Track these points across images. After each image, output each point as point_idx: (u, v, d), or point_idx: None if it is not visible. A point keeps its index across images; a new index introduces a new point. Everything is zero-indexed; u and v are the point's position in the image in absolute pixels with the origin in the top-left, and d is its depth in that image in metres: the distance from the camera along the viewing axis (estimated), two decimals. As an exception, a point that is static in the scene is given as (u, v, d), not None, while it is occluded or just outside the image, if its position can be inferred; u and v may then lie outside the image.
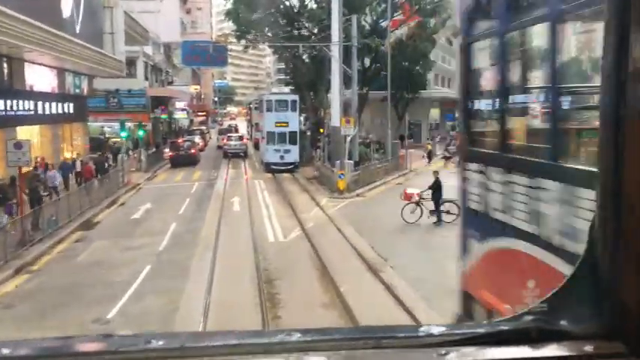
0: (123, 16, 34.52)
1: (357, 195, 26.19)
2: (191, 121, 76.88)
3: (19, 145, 17.13)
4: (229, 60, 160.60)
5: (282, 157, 34.41)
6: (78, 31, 29.69)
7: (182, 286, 13.40)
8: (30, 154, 17.75)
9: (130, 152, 37.62)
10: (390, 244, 17.39)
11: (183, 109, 66.94)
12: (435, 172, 20.05)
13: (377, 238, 17.89)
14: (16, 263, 15.75)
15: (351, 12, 32.10)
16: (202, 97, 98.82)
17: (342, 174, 25.74)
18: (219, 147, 50.83)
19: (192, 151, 43.49)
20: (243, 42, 47.17)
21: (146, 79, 53.42)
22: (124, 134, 33.44)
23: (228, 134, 52.32)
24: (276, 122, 35.10)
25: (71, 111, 31.23)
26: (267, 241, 17.90)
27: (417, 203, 19.73)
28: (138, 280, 14.01)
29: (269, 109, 36.01)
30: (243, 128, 78.23)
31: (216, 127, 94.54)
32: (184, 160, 40.37)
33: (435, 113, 62.75)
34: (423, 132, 58.42)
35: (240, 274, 14.44)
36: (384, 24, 41.80)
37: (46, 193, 19.58)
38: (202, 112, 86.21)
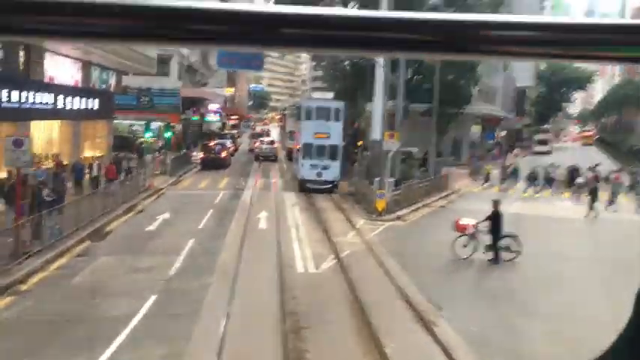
0: (157, 10, 32.37)
1: (398, 217, 23.27)
2: (223, 124, 74.85)
3: (18, 143, 14.71)
4: (266, 65, 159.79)
5: (319, 175, 29.05)
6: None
7: (189, 331, 10.70)
8: (30, 152, 15.29)
9: (157, 154, 35.33)
10: (441, 285, 14.48)
11: (215, 112, 64.82)
12: (496, 202, 17.03)
13: (425, 276, 14.98)
14: (3, 281, 13.31)
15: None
16: (236, 100, 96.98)
17: (381, 193, 22.88)
18: (251, 150, 51.35)
19: (223, 154, 41.64)
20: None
21: (179, 79, 51.37)
22: (148, 135, 31.05)
23: (260, 138, 52.99)
24: (316, 133, 29.61)
25: (96, 107, 29.09)
26: (296, 272, 15.12)
27: (472, 235, 16.78)
28: (138, 317, 11.36)
29: (308, 117, 30.56)
30: (275, 134, 76.59)
31: (248, 131, 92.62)
32: (215, 163, 39.29)
33: (475, 130, 59.37)
34: (463, 149, 55.16)
35: (262, 317, 11.67)
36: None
37: (50, 198, 17.09)
38: (235, 115, 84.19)
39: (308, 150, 29.72)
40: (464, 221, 16.88)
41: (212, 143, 44.51)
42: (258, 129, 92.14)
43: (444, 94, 42.32)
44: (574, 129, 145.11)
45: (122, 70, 32.37)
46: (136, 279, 13.97)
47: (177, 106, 49.10)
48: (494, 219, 16.54)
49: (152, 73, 34.40)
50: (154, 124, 49.20)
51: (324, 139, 29.53)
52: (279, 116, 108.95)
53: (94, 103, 28.84)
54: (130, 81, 48.43)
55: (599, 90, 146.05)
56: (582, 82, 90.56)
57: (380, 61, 26.33)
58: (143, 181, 28.47)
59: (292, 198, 27.41)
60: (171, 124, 48.60)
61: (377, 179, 24.39)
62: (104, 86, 29.56)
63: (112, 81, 30.87)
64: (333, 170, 29.39)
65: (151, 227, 19.92)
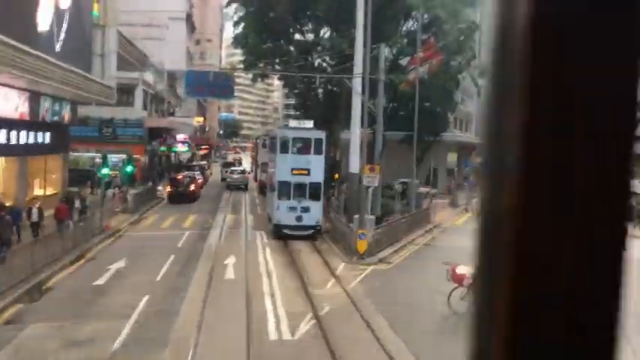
0: (116, 37, 29.79)
1: (381, 260, 20.84)
2: (193, 155, 72.06)
3: None
4: (237, 93, 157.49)
5: (299, 219, 24.09)
6: (58, 50, 24.92)
7: None
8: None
9: (117, 189, 32.46)
10: (440, 352, 12.04)
11: (183, 142, 62.05)
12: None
13: (420, 338, 12.56)
14: None
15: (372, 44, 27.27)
16: (207, 129, 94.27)
17: (363, 234, 20.47)
18: (223, 179, 51.44)
19: (192, 188, 39.12)
20: (250, 72, 42.72)
21: (145, 108, 48.67)
22: (105, 171, 28.25)
23: (232, 168, 52.97)
24: (294, 169, 24.50)
25: (47, 141, 26.26)
26: (268, 340, 12.51)
27: (471, 286, 14.43)
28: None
29: (284, 149, 25.25)
30: (247, 163, 74.00)
31: (219, 160, 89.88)
32: (183, 198, 37.14)
33: (452, 158, 57.70)
34: (440, 178, 53.37)
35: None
36: (403, 61, 37.05)
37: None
38: (205, 145, 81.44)
39: (285, 189, 24.57)
40: (461, 270, 14.54)
41: (180, 176, 41.85)
42: (230, 158, 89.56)
43: (421, 122, 40.70)
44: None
45: (78, 101, 29.60)
46: (70, 359, 11.21)
47: (142, 137, 46.32)
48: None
49: (111, 104, 31.63)
50: (117, 157, 46.28)
51: (304, 177, 24.62)
52: (250, 145, 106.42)
53: (45, 137, 26.03)
54: (91, 111, 45.63)
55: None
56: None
57: (357, 87, 24.18)
58: (99, 222, 25.61)
59: (264, 237, 24.79)
60: (134, 156, 45.69)
61: (356, 217, 22.01)
62: (56, 118, 26.74)
63: (66, 112, 28.07)
64: (315, 212, 24.47)
65: (100, 281, 17.09)
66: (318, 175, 24.83)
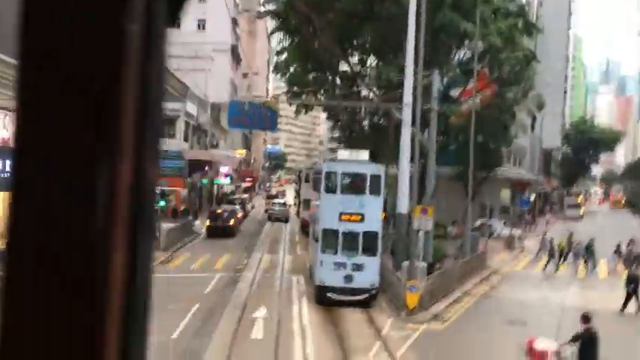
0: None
1: (435, 317, 17.73)
2: (237, 187, 70.41)
3: None
4: (282, 126, 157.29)
5: (349, 279, 18.35)
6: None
7: None
8: None
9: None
10: None
11: (226, 175, 60.30)
12: (586, 317, 11.57)
13: None
14: None
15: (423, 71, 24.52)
16: (252, 162, 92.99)
17: (413, 286, 17.46)
18: (265, 211, 52.43)
19: (231, 222, 37.03)
20: (293, 103, 40.78)
21: (186, 140, 47.14)
22: (162, 203, 26.27)
23: (274, 201, 54.36)
24: (343, 213, 18.92)
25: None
26: None
27: (554, 365, 11.28)
28: None
29: (330, 188, 19.70)
30: (290, 196, 72.30)
31: (263, 193, 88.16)
32: (221, 232, 35.43)
33: (505, 195, 53.80)
34: (494, 216, 49.68)
35: None
36: (454, 92, 34.09)
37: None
38: (250, 177, 79.81)
39: (330, 240, 18.91)
40: (541, 345, 11.37)
41: (219, 210, 39.81)
42: (274, 191, 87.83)
43: (474, 156, 37.84)
44: (598, 191, 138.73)
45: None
46: None
47: (182, 169, 44.61)
48: (588, 344, 11.06)
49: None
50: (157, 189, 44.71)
51: (357, 224, 18.85)
52: (294, 178, 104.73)
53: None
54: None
55: (619, 151, 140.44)
56: (609, 142, 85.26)
57: (406, 117, 21.43)
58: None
59: (301, 284, 22.00)
60: (174, 188, 43.96)
61: (405, 264, 19.03)
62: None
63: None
64: (369, 271, 18.51)
65: (108, 337, 14.62)
66: (374, 222, 19.03)
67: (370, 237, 18.82)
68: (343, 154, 21.80)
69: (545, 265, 28.51)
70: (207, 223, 37.52)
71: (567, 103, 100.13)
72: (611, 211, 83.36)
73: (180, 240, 32.30)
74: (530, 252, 33.81)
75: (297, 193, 54.88)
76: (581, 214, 67.24)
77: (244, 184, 74.40)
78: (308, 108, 42.23)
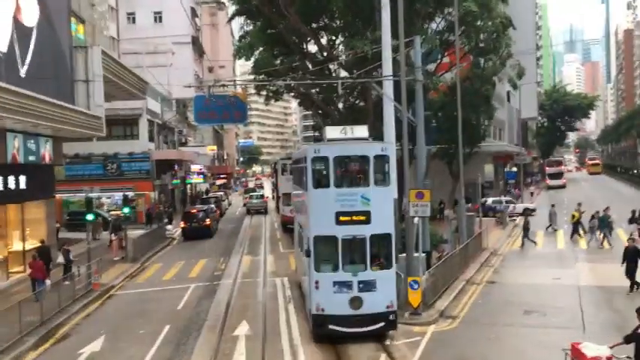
0: (100, 58, 25.11)
1: (442, 314, 15.41)
2: (211, 185, 67.53)
3: None
4: (254, 119, 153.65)
5: (357, 303, 13.26)
6: (23, 75, 20.28)
7: None
8: None
9: (113, 235, 27.55)
10: None
11: (199, 173, 57.39)
12: (643, 311, 9.33)
13: None
14: None
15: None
16: (225, 157, 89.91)
17: (415, 281, 15.11)
18: (244, 205, 52.92)
19: (207, 222, 34.77)
20: (263, 89, 38.08)
21: (152, 140, 44.12)
22: (89, 217, 23.31)
23: (251, 194, 54.70)
24: (341, 213, 13.44)
25: (22, 186, 21.55)
26: None
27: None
28: None
29: (320, 181, 14.00)
30: (268, 188, 70.14)
31: (239, 188, 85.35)
32: (198, 233, 33.41)
33: (488, 170, 51.92)
34: (478, 193, 47.73)
35: None
36: (430, 67, 31.53)
37: None
38: (224, 174, 76.86)
39: (327, 250, 13.49)
40: (591, 352, 9.07)
41: (193, 210, 37.12)
42: (251, 185, 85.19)
43: (453, 133, 35.91)
44: (572, 158, 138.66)
45: (62, 137, 24.95)
46: None
47: (150, 171, 41.70)
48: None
49: (101, 135, 26.88)
50: (119, 195, 41.68)
51: (361, 226, 13.38)
52: (269, 171, 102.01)
53: (19, 182, 21.31)
54: (94, 147, 41.20)
55: (592, 118, 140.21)
56: (585, 108, 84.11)
57: (388, 91, 18.91)
58: (88, 279, 20.64)
59: (285, 288, 19.52)
60: (142, 192, 41.03)
61: (402, 256, 16.66)
62: (32, 158, 22.03)
63: (46, 151, 23.36)
64: (384, 290, 13.41)
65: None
66: (385, 222, 13.54)
67: (381, 242, 13.51)
68: (332, 132, 14.62)
69: (572, 236, 27.67)
70: (182, 224, 35.02)
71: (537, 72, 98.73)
72: (591, 177, 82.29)
73: (151, 248, 29.53)
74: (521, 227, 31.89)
75: (275, 186, 52.25)
76: (564, 182, 65.85)
77: (219, 181, 71.49)
78: (278, 95, 39.57)
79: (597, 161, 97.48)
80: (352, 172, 13.94)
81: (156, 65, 53.23)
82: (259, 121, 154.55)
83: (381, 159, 13.66)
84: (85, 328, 15.96)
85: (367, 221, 13.23)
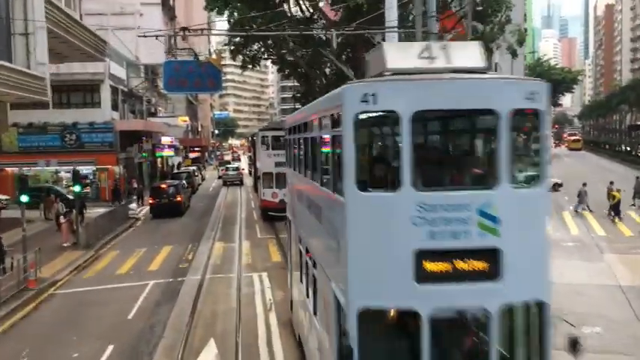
0: (43, 5, 20.63)
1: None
2: (184, 158, 63.08)
3: None
4: (230, 91, 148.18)
5: None
6: None
7: None
8: None
9: (62, 218, 23.36)
10: None
11: (170, 146, 52.91)
12: None
13: None
14: None
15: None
16: (200, 130, 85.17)
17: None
18: (219, 177, 52.68)
19: (177, 198, 31.04)
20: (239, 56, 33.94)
21: (115, 109, 39.55)
22: (24, 198, 19.04)
23: (227, 166, 54.35)
24: (428, 255, 5.37)
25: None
26: None
27: None
28: None
29: (377, 177, 5.94)
30: (245, 161, 66.64)
31: (214, 162, 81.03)
32: (167, 210, 29.86)
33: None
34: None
35: None
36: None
37: None
38: (198, 147, 72.33)
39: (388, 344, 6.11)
40: None
41: (163, 185, 33.03)
42: (227, 157, 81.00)
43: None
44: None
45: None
46: None
47: (113, 143, 37.26)
48: None
49: (45, 100, 22.57)
50: (87, 169, 37.28)
51: (476, 285, 5.38)
52: (245, 144, 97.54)
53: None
54: (51, 116, 36.59)
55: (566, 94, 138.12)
56: (569, 84, 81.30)
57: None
58: (26, 274, 16.59)
59: (265, 286, 15.81)
60: (104, 166, 36.70)
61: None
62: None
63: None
64: None
65: None
66: (531, 274, 5.60)
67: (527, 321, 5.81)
68: (400, 53, 6.24)
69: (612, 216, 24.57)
70: (150, 201, 31.14)
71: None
72: (572, 153, 79.86)
73: (110, 231, 25.48)
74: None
75: (253, 162, 47.27)
76: (550, 157, 63.04)
77: (192, 155, 67.03)
78: (255, 62, 35.33)
79: (578, 137, 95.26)
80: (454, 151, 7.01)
81: (122, 28, 48.30)
82: (235, 92, 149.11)
83: (530, 120, 5.74)
84: (1, 347, 12.05)
85: (493, 274, 5.44)
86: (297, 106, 40.21)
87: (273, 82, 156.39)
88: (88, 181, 37.43)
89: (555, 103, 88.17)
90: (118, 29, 48.06)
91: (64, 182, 37.34)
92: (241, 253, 20.22)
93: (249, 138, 57.46)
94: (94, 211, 29.22)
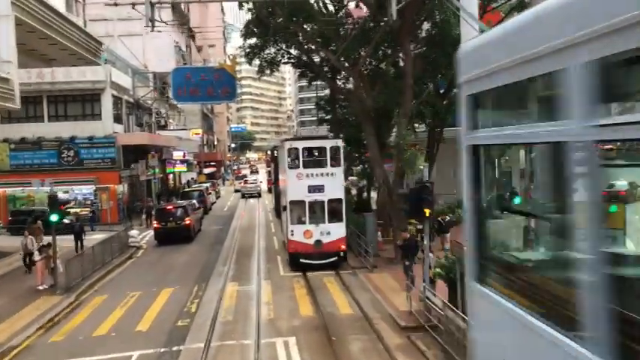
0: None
1: None
2: (199, 174, 58.68)
3: None
4: (247, 103, 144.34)
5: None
6: None
7: None
8: None
9: (37, 255, 18.63)
10: None
11: (182, 161, 48.48)
12: None
13: None
14: None
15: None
16: (215, 144, 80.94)
17: None
18: (237, 190, 53.04)
19: (186, 221, 26.46)
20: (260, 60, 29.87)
21: (118, 121, 35.18)
22: (54, 217, 14.05)
23: (246, 179, 56.34)
24: None
25: None
26: None
27: None
28: None
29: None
30: (263, 174, 62.34)
31: (230, 177, 76.74)
32: (174, 236, 25.69)
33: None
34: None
35: None
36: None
37: None
38: (213, 162, 67.98)
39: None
40: None
41: (169, 206, 28.35)
42: (244, 172, 76.83)
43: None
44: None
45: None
46: None
47: (115, 159, 32.84)
48: None
49: (15, 108, 18.06)
50: (86, 188, 32.89)
51: None
52: (264, 158, 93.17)
53: None
54: (45, 130, 32.36)
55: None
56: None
57: (469, 4, 10.22)
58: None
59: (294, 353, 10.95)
60: (105, 185, 32.28)
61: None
62: None
63: None
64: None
65: None
66: None
67: None
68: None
69: None
70: (155, 225, 26.49)
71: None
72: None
73: (102, 265, 20.86)
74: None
75: (274, 180, 41.09)
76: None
77: (207, 170, 62.62)
78: (274, 65, 30.87)
79: None
80: None
81: (129, 34, 44.26)
82: (252, 105, 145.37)
83: None
84: None
85: None
86: (320, 115, 35.68)
87: (291, 94, 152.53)
88: (88, 202, 33.12)
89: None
90: (126, 35, 44.08)
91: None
92: (260, 302, 15.33)
93: (269, 151, 52.19)
94: (92, 237, 24.88)
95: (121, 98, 35.03)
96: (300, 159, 18.78)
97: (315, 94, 45.70)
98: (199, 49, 79.02)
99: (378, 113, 19.46)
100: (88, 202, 33.02)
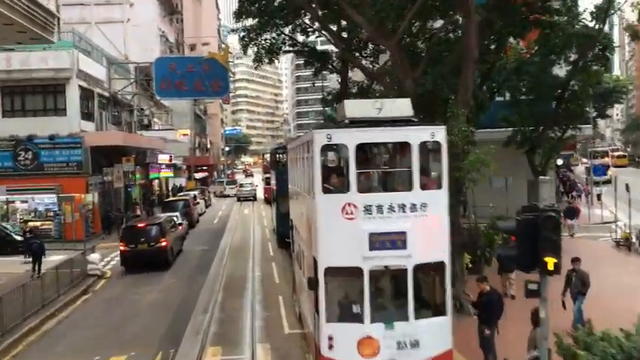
0: None
1: None
2: (188, 179, 52.76)
3: None
4: (243, 106, 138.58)
5: None
6: None
7: None
8: None
9: None
10: None
11: (168, 166, 42.54)
12: None
13: None
14: None
15: None
16: (209, 147, 75.00)
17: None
18: (234, 195, 50.73)
19: (162, 242, 20.46)
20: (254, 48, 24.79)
21: (89, 118, 29.23)
22: None
23: (241, 183, 53.54)
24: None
25: None
26: None
27: None
28: None
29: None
30: (258, 179, 56.94)
31: (224, 182, 70.86)
32: (145, 261, 20.07)
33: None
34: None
35: None
36: None
37: None
38: (204, 166, 62.08)
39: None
40: None
41: (140, 224, 22.20)
42: (239, 177, 71.26)
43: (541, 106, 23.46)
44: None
45: None
46: None
47: (82, 162, 26.95)
48: None
49: None
50: (48, 198, 27.03)
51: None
52: (260, 162, 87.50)
53: None
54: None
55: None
56: (619, 93, 70.38)
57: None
58: None
59: None
60: (68, 195, 26.37)
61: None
62: None
63: None
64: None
65: None
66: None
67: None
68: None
69: None
70: (121, 247, 20.37)
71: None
72: (618, 169, 69.00)
73: (41, 308, 14.98)
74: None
75: (266, 180, 37.50)
76: (610, 176, 52.19)
77: (198, 175, 56.68)
78: (273, 53, 25.61)
79: (622, 152, 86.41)
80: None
81: (109, 21, 38.45)
82: (248, 108, 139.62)
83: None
84: None
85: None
86: (329, 113, 30.14)
87: (287, 97, 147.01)
88: (51, 213, 27.22)
89: (603, 115, 77.32)
90: (105, 22, 38.25)
91: (18, 217, 27.11)
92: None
93: (267, 154, 45.21)
94: (50, 259, 19.17)
95: (92, 91, 29.10)
96: (353, 172, 8.27)
97: (314, 96, 40.33)
98: (192, 47, 73.46)
99: (423, 101, 13.61)
100: (51, 214, 27.17)
